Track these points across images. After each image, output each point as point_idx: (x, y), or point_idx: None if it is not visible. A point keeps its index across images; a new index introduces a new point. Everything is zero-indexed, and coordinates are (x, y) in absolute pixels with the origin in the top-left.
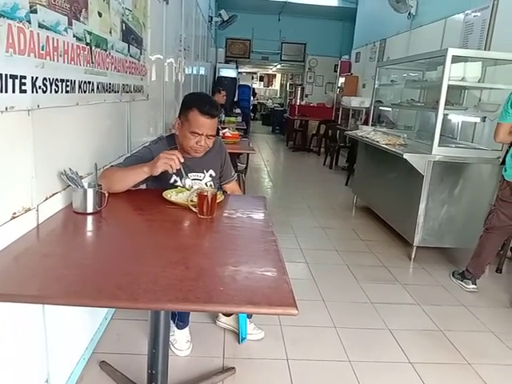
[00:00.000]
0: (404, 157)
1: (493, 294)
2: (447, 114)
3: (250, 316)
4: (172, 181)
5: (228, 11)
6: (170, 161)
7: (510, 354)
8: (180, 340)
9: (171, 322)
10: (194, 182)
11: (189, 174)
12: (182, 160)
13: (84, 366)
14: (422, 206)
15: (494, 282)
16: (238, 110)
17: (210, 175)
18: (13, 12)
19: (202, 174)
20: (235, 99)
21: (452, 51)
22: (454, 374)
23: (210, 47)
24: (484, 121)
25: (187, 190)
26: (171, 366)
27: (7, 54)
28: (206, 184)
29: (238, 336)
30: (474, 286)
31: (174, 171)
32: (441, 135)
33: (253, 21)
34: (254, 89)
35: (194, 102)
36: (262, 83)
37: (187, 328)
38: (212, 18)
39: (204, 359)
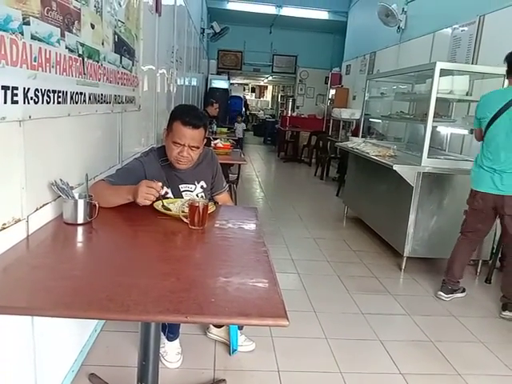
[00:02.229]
0: (394, 168)
1: (482, 304)
2: (436, 126)
3: (241, 327)
4: (163, 192)
5: (220, 23)
6: (150, 196)
7: (501, 365)
8: (170, 352)
9: (161, 333)
10: (184, 193)
11: (180, 186)
12: (162, 192)
13: (73, 379)
14: (411, 217)
15: (484, 292)
16: (241, 126)
17: (202, 186)
18: (5, 24)
19: (193, 186)
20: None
21: (440, 65)
22: None
23: (202, 59)
24: (472, 133)
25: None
26: (161, 378)
27: None
28: (197, 195)
29: (229, 348)
30: (460, 295)
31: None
32: (430, 147)
33: (244, 33)
34: (246, 101)
35: (177, 113)
36: (253, 94)
37: (177, 340)
38: (204, 29)
39: (195, 371)
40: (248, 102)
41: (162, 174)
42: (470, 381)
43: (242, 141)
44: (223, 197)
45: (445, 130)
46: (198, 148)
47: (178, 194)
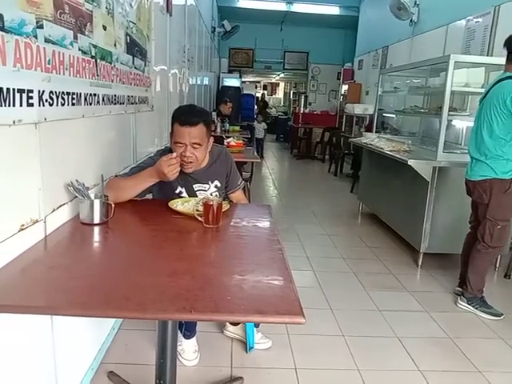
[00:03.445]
0: (409, 163)
1: (502, 299)
2: (451, 120)
3: (257, 325)
4: (177, 191)
5: (231, 22)
6: (175, 167)
7: None
8: (187, 350)
9: (178, 331)
10: (199, 192)
11: (194, 186)
12: (177, 191)
13: (92, 377)
14: (428, 212)
15: (503, 288)
16: (262, 126)
17: (216, 186)
18: (20, 28)
19: (207, 185)
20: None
21: (454, 57)
22: (465, 382)
23: (213, 57)
24: None
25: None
26: (179, 376)
27: (15, 68)
28: (211, 195)
29: (246, 345)
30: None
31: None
32: (445, 141)
33: (255, 30)
34: (264, 98)
35: (175, 114)
36: (265, 92)
37: (195, 338)
38: (215, 28)
39: (212, 369)
40: (266, 99)
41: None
42: (491, 378)
43: (263, 143)
44: (238, 195)
45: (460, 124)
46: (200, 145)
47: (192, 194)
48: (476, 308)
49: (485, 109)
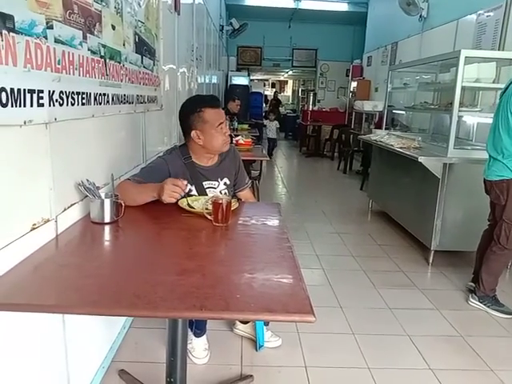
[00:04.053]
0: (419, 160)
1: None
2: (462, 116)
3: (267, 323)
4: (187, 190)
5: (239, 20)
6: (175, 194)
7: None
8: (198, 348)
9: (189, 330)
10: (208, 190)
11: (204, 183)
12: (187, 190)
13: (103, 375)
14: (438, 210)
15: None
16: (274, 124)
17: (225, 183)
18: (30, 29)
19: (217, 183)
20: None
21: (465, 52)
22: (477, 380)
23: (221, 56)
24: None
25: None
26: (189, 374)
27: (25, 69)
28: (220, 192)
29: (256, 343)
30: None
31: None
32: (456, 137)
33: (263, 28)
34: (278, 99)
35: (198, 105)
36: (273, 90)
37: (205, 336)
38: (223, 26)
39: (222, 367)
40: (278, 97)
41: (185, 171)
42: (503, 377)
43: (275, 144)
44: (246, 193)
45: (471, 120)
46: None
47: (201, 191)
48: (488, 306)
49: (503, 105)
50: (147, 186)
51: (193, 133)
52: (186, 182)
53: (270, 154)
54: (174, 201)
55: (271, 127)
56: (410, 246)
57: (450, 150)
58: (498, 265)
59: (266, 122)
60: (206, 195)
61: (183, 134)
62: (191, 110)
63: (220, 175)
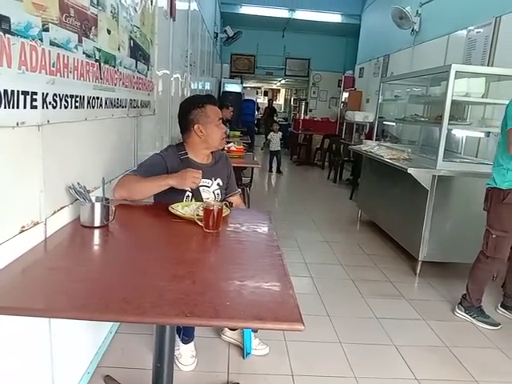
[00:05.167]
0: (408, 171)
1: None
2: (451, 129)
3: (255, 330)
4: (186, 194)
5: (233, 27)
6: (196, 179)
7: None
8: (185, 355)
9: (176, 336)
10: (202, 188)
11: None
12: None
13: (89, 380)
14: (426, 221)
15: (500, 297)
16: (278, 136)
17: (218, 184)
18: (26, 31)
19: (210, 181)
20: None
21: (455, 67)
22: None
23: (215, 63)
24: (488, 136)
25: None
26: (176, 381)
27: (20, 71)
28: (213, 192)
29: (243, 351)
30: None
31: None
32: (445, 150)
33: (257, 37)
34: (271, 104)
35: (201, 101)
36: (265, 98)
37: (192, 343)
38: (217, 34)
39: (209, 374)
40: (274, 106)
41: (181, 167)
42: None
43: (279, 157)
44: (236, 199)
45: (460, 133)
46: None
47: (195, 189)
48: (474, 317)
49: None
50: (156, 177)
51: (196, 127)
52: (201, 173)
53: (279, 170)
54: (195, 186)
55: (275, 139)
56: (398, 256)
57: (439, 163)
58: (481, 274)
59: (270, 134)
60: (200, 193)
61: (182, 131)
62: (194, 106)
63: (214, 175)
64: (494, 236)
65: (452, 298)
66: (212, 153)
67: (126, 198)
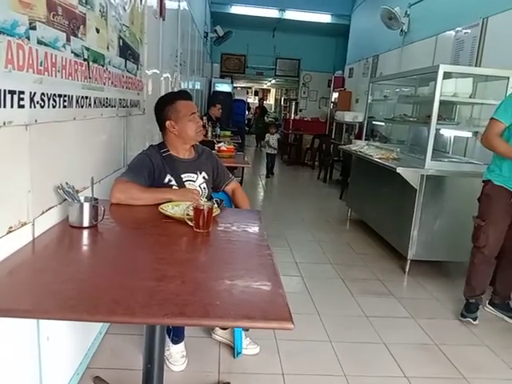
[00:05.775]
0: (397, 171)
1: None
2: (439, 129)
3: (246, 329)
4: (166, 180)
5: (223, 27)
6: (196, 197)
7: (506, 368)
8: (175, 355)
9: (166, 336)
10: (187, 183)
11: (182, 176)
12: (166, 180)
13: (78, 382)
14: (415, 220)
15: (488, 295)
16: (275, 137)
17: (203, 177)
18: (12, 29)
19: (195, 175)
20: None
21: (443, 67)
22: None
23: (205, 62)
24: (476, 135)
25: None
26: (166, 381)
27: (6, 70)
28: (199, 186)
29: (234, 350)
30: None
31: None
32: (433, 149)
33: (248, 37)
34: (265, 107)
35: (171, 98)
36: (256, 98)
37: (183, 343)
38: (208, 33)
39: (199, 374)
40: (265, 106)
41: (164, 163)
42: None
43: (274, 160)
44: (233, 185)
45: (448, 133)
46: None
47: (181, 184)
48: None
49: None
50: (157, 189)
51: (167, 123)
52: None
53: (271, 172)
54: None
55: (272, 142)
56: (388, 255)
57: (427, 162)
58: (471, 265)
59: (267, 136)
60: (185, 188)
61: (160, 129)
62: (165, 103)
63: (199, 168)
64: (472, 222)
65: (440, 296)
66: (194, 147)
67: (122, 202)
